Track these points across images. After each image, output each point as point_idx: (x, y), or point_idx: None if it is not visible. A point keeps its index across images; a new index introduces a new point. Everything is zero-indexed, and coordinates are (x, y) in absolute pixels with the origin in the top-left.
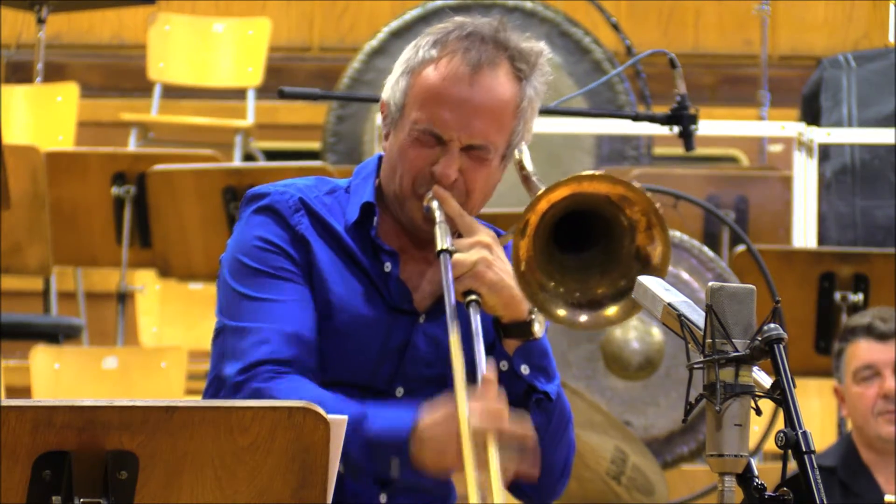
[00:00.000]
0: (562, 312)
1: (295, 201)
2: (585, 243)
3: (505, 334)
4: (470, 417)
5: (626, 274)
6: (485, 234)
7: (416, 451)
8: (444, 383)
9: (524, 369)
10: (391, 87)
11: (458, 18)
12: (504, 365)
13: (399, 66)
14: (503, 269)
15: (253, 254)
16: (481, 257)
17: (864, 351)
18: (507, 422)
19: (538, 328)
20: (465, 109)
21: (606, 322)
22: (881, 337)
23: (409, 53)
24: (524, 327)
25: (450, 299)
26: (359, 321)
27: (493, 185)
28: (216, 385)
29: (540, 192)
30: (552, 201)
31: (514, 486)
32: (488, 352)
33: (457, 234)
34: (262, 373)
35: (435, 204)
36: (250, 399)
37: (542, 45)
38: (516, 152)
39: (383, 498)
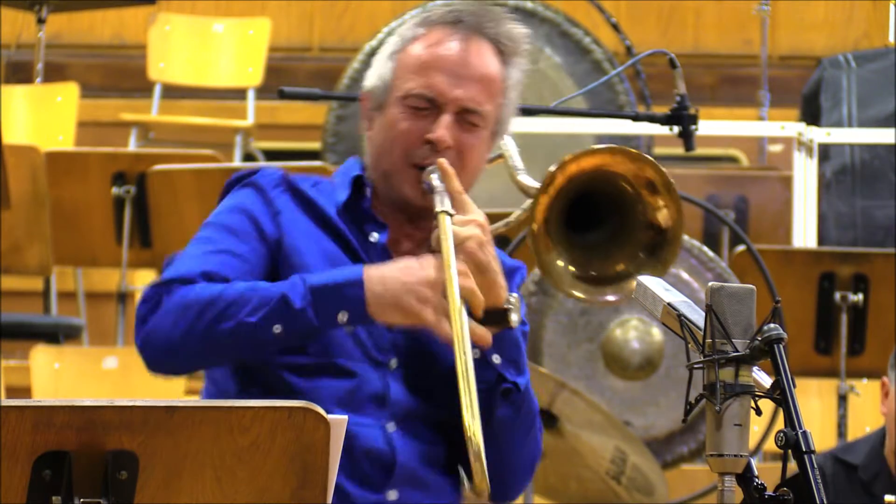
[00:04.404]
0: (570, 283)
1: (278, 177)
2: (596, 224)
3: (481, 320)
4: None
5: (635, 253)
6: (480, 216)
7: (371, 300)
8: (434, 358)
9: (496, 358)
10: (375, 75)
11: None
12: (476, 353)
13: (382, 55)
14: (492, 253)
15: (221, 214)
16: (474, 234)
17: None
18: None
19: (514, 317)
20: (459, 72)
21: (604, 299)
22: None
23: (392, 43)
24: (501, 315)
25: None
26: None
27: (481, 165)
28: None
29: (569, 157)
30: (581, 167)
31: None
32: None
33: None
34: (169, 286)
35: (435, 176)
36: (158, 308)
37: (525, 30)
38: (501, 146)
39: (393, 495)
